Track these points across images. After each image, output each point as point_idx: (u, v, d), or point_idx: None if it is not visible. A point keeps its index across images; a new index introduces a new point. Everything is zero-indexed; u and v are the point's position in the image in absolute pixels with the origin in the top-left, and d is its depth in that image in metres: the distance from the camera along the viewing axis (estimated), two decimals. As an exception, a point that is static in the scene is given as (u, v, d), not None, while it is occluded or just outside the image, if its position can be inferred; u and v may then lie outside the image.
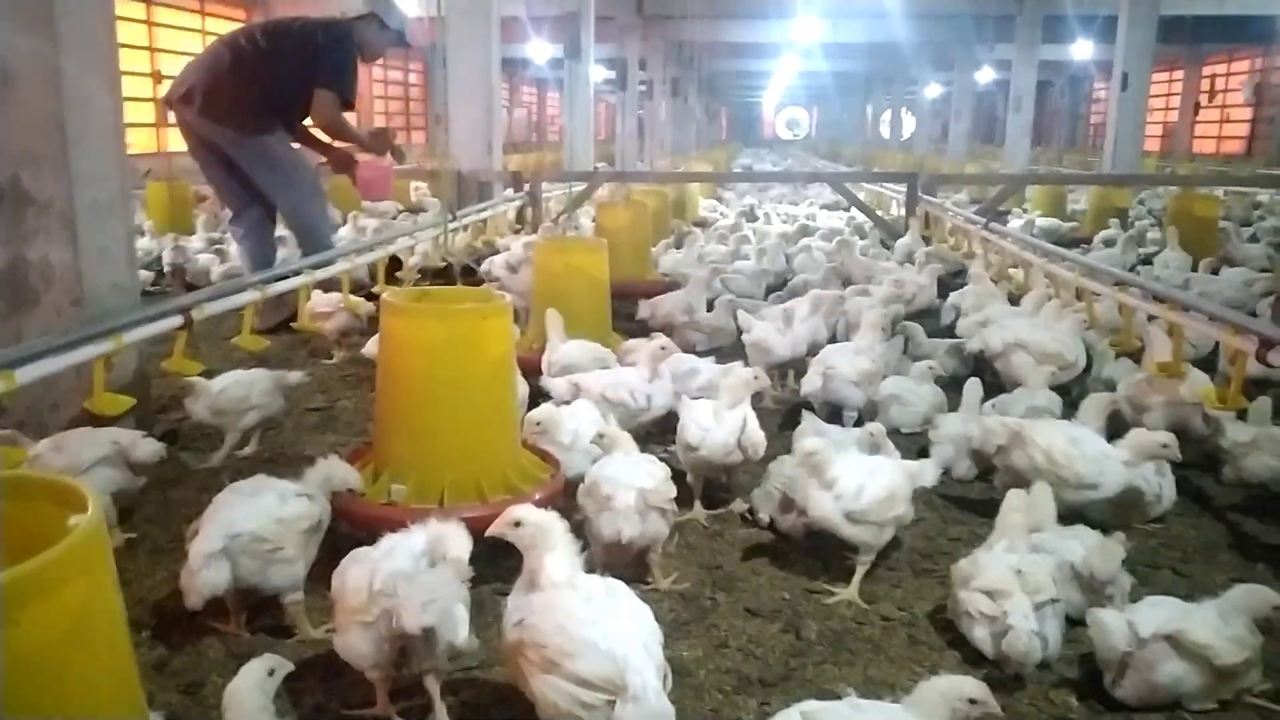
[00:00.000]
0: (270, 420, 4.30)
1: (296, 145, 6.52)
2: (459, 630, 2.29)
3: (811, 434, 3.83)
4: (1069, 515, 3.23)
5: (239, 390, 4.10)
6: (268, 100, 6.06)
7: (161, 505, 3.69)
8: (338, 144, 6.70)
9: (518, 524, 2.26)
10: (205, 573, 2.55)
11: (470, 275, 7.68)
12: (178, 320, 4.18)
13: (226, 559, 2.59)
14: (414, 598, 2.21)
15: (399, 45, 6.75)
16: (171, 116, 6.42)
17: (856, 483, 3.07)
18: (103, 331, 3.72)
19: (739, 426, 3.56)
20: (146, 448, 3.44)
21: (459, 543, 2.33)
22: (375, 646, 2.28)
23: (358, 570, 2.34)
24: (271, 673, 2.04)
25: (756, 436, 3.62)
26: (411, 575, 2.27)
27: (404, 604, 2.20)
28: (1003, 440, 3.56)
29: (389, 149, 7.00)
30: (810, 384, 4.59)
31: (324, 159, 6.91)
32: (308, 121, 6.45)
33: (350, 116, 6.52)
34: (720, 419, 3.59)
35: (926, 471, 3.28)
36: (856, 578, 3.10)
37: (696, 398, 3.98)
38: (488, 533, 2.30)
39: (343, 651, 2.33)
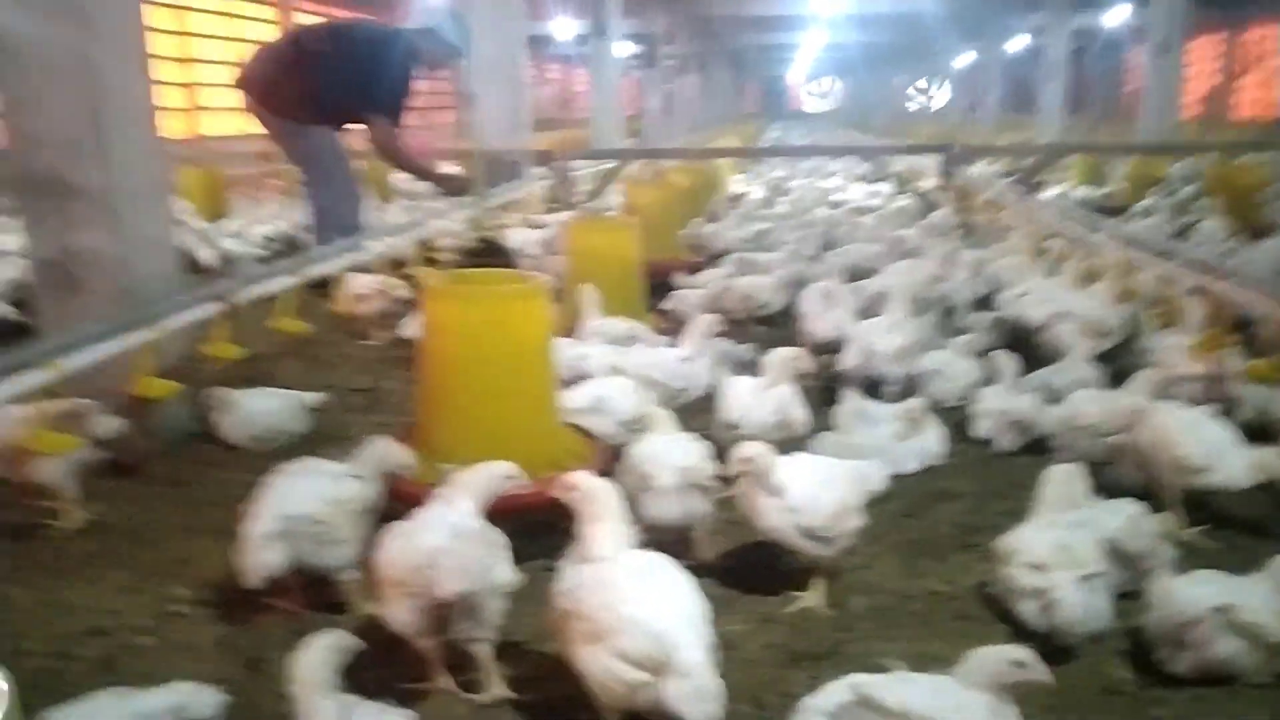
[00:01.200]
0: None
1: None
2: (497, 589, 2.38)
3: (852, 411, 3.84)
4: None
5: (269, 420, 4.10)
6: (314, 97, 6.34)
7: (218, 487, 3.75)
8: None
9: (574, 488, 2.30)
10: (260, 554, 2.62)
11: (500, 255, 7.69)
12: (219, 305, 4.24)
13: (281, 540, 2.65)
14: (448, 565, 2.29)
15: (456, 59, 6.91)
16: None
17: (809, 494, 2.81)
18: (146, 318, 3.78)
19: (780, 405, 3.56)
20: None
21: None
22: (416, 615, 2.36)
23: (397, 543, 2.41)
24: (339, 649, 2.08)
25: (797, 414, 3.62)
26: (447, 546, 2.34)
27: (441, 572, 2.28)
28: (1124, 421, 3.48)
29: (461, 190, 7.41)
30: (849, 360, 4.57)
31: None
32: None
33: None
34: (761, 397, 3.59)
35: (874, 474, 3.01)
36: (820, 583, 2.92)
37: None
38: (552, 492, 2.33)
39: (389, 621, 2.41)
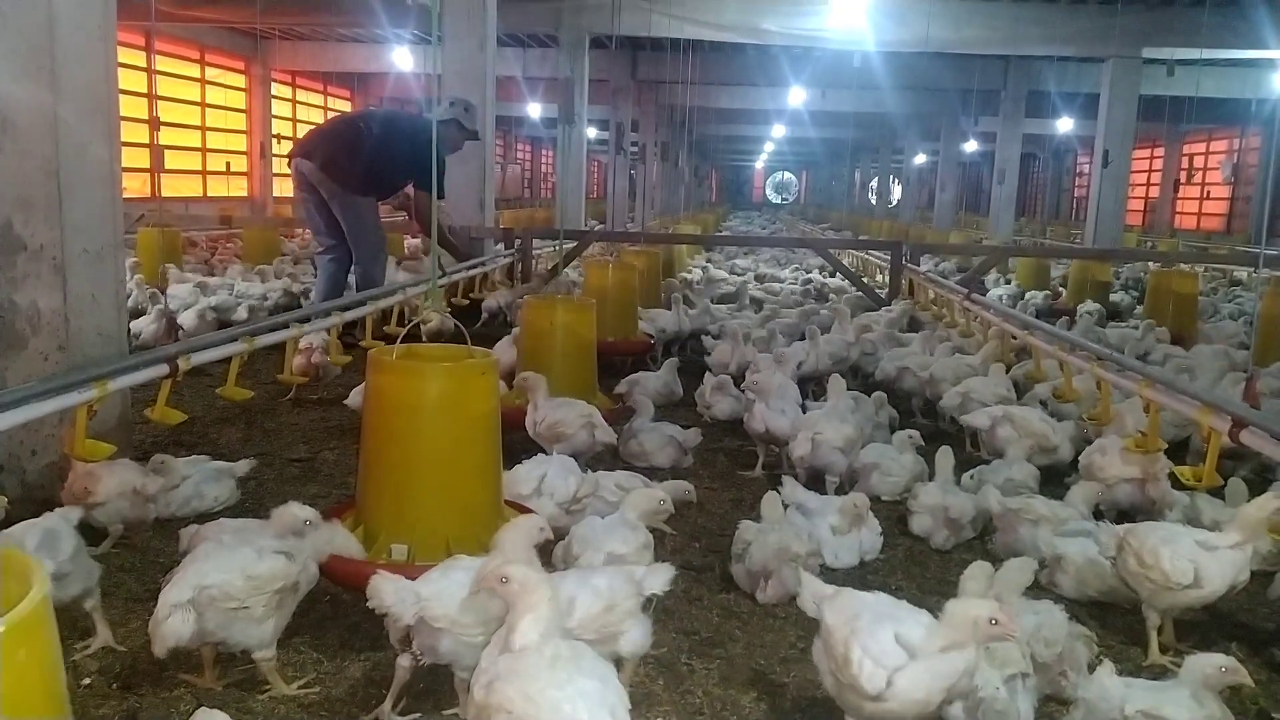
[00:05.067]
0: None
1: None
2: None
3: (790, 500, 3.85)
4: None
5: (184, 490, 4.00)
6: (370, 174, 7.68)
7: (139, 553, 3.66)
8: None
9: (504, 579, 2.27)
10: (170, 622, 2.53)
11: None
12: (163, 369, 4.19)
13: (193, 610, 2.55)
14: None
15: (472, 140, 8.41)
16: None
17: (565, 596, 2.56)
18: (87, 379, 3.72)
19: (951, 677, 2.45)
20: None
21: None
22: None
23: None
24: None
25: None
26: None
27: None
28: (1111, 551, 3.39)
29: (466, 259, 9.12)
30: (799, 448, 4.59)
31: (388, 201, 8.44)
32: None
33: None
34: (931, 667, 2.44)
35: (654, 577, 2.70)
36: None
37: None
38: (475, 584, 2.32)
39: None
